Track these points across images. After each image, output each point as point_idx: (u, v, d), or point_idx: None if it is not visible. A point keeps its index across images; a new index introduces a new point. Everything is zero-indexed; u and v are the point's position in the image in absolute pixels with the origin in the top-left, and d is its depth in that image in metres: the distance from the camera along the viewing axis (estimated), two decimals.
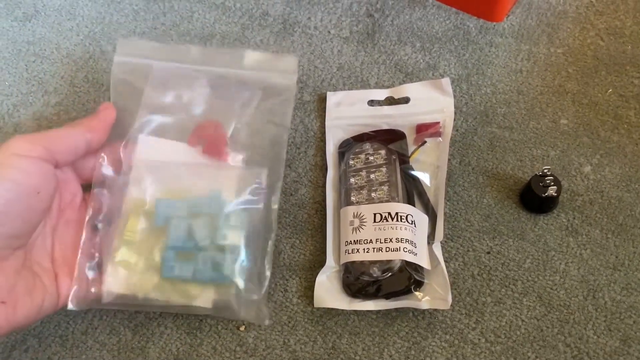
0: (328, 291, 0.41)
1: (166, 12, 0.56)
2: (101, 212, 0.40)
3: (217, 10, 0.56)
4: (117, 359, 0.40)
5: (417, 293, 0.40)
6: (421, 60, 0.52)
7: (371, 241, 0.41)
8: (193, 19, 0.56)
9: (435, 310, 0.41)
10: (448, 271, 0.42)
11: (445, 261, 0.42)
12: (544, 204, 0.43)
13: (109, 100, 0.44)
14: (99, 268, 0.39)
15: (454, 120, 0.48)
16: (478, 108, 0.49)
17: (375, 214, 0.42)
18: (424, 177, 0.44)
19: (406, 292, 0.40)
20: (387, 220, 0.41)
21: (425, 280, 0.40)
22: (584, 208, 0.45)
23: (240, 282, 0.38)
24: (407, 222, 0.41)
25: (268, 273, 0.40)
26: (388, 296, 0.40)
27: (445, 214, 0.44)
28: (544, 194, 0.43)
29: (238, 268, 0.38)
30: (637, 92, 0.50)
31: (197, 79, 0.43)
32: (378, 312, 0.41)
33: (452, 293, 0.41)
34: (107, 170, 0.41)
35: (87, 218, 0.40)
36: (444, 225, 0.43)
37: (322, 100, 0.50)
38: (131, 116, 0.42)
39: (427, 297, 0.39)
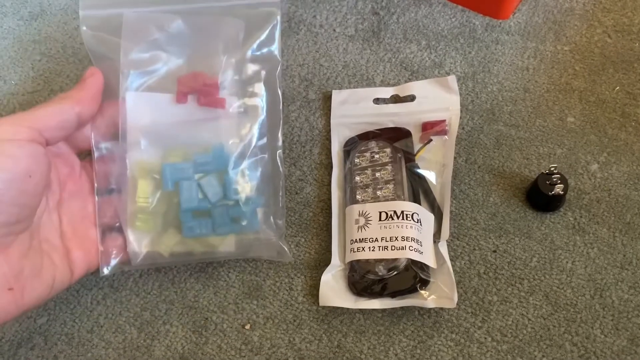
0: (333, 290, 0.41)
1: None
2: (108, 180, 0.40)
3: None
4: (122, 357, 0.40)
5: (422, 292, 0.39)
6: (427, 58, 0.52)
7: (377, 239, 0.41)
8: None
9: (441, 309, 0.41)
10: (454, 270, 0.42)
11: (451, 260, 0.42)
12: (550, 203, 0.43)
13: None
14: (121, 236, 0.39)
15: (460, 118, 0.48)
16: (484, 106, 0.49)
17: (380, 213, 0.41)
18: (429, 175, 0.44)
19: (412, 290, 0.39)
20: (392, 219, 0.41)
21: (431, 279, 0.40)
22: (591, 206, 0.44)
23: (259, 227, 0.39)
24: (413, 220, 0.41)
25: (284, 211, 0.41)
26: (394, 295, 0.40)
27: (451, 212, 0.44)
28: (551, 192, 0.42)
29: (256, 218, 0.39)
30: None
31: (173, 21, 0.40)
32: (383, 310, 0.41)
33: (457, 292, 0.41)
34: (104, 138, 0.40)
35: (95, 188, 0.40)
36: (450, 223, 0.43)
37: (327, 98, 0.50)
38: (116, 74, 0.39)
39: (432, 296, 0.39)
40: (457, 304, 0.40)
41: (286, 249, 0.41)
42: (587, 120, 0.48)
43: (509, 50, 0.52)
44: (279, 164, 0.41)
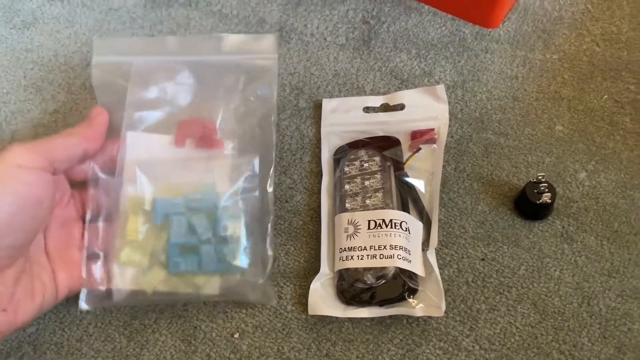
0: (322, 298, 0.41)
1: (163, 19, 0.56)
2: (100, 212, 0.41)
3: (214, 17, 0.56)
4: None
5: (410, 300, 0.40)
6: (417, 67, 0.52)
7: (365, 248, 0.41)
8: (190, 26, 0.56)
9: (430, 317, 0.41)
10: (442, 278, 0.42)
11: (439, 268, 0.42)
12: (538, 211, 0.43)
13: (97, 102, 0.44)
14: (106, 267, 0.40)
15: (449, 126, 0.48)
16: (473, 114, 0.50)
17: (369, 221, 0.42)
18: (418, 183, 0.44)
19: (400, 299, 0.40)
20: (381, 227, 0.41)
21: (419, 288, 0.40)
22: (579, 215, 0.45)
23: (245, 268, 0.39)
24: (402, 229, 0.41)
25: (270, 253, 0.41)
26: (382, 303, 0.40)
27: (439, 220, 0.44)
28: (539, 200, 0.43)
29: (242, 255, 0.39)
30: (632, 98, 0.50)
31: (179, 71, 0.43)
32: (372, 319, 0.41)
33: (446, 300, 0.41)
34: (102, 170, 0.41)
35: (87, 218, 0.41)
36: (438, 232, 0.43)
37: (318, 107, 0.50)
38: (119, 114, 0.42)
39: (420, 305, 0.39)
40: (445, 312, 0.40)
41: (271, 292, 0.41)
42: (575, 128, 0.49)
43: (498, 58, 0.53)
44: (270, 204, 0.42)
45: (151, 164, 0.41)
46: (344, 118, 0.49)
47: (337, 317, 0.41)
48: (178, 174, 0.41)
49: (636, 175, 0.46)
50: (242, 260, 0.39)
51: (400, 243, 0.40)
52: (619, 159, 0.47)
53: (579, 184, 0.46)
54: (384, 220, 0.41)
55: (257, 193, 0.41)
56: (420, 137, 0.47)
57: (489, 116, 0.49)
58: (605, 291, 0.42)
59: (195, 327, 0.41)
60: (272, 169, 0.43)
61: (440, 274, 0.42)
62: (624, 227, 0.44)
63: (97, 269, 0.40)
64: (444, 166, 0.47)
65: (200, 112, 0.43)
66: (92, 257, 0.40)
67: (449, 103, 0.50)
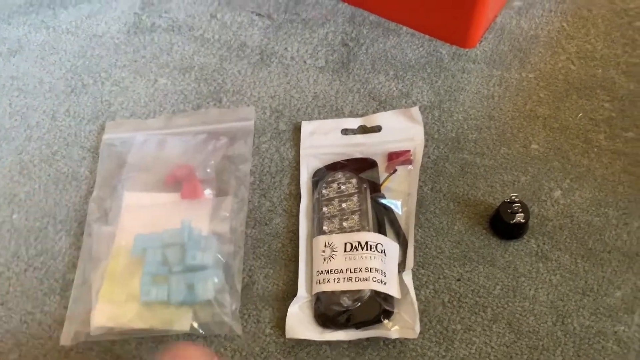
0: (300, 322, 0.41)
1: (146, 45, 0.57)
2: (89, 256, 0.45)
3: (196, 42, 0.57)
4: None
5: (386, 322, 0.40)
6: (394, 88, 0.53)
7: (342, 271, 0.41)
8: (172, 51, 0.57)
9: (406, 338, 0.41)
10: (419, 299, 0.42)
11: (416, 289, 0.42)
12: (512, 231, 0.44)
13: (94, 160, 0.50)
14: (88, 307, 0.42)
15: (426, 147, 0.49)
16: (450, 134, 0.50)
17: (346, 244, 0.42)
18: (395, 205, 0.45)
19: (376, 321, 0.40)
20: (357, 250, 0.42)
21: (395, 310, 0.41)
22: (554, 233, 0.45)
23: (212, 300, 0.41)
24: (377, 251, 0.42)
25: (239, 288, 0.43)
26: (358, 326, 0.40)
27: (416, 241, 0.45)
28: (512, 220, 0.43)
29: (210, 287, 0.41)
30: (607, 115, 0.51)
31: (172, 140, 0.50)
32: (349, 342, 0.41)
33: (422, 321, 0.41)
34: (97, 223, 0.46)
35: (78, 265, 0.45)
36: (415, 252, 0.43)
37: (298, 129, 0.51)
38: (117, 176, 0.49)
39: (396, 327, 0.40)
40: (421, 333, 0.41)
41: (238, 325, 0.41)
42: (550, 147, 0.49)
43: (474, 78, 0.53)
44: (240, 242, 0.45)
45: (142, 213, 0.46)
46: (322, 140, 0.50)
47: (314, 340, 0.41)
48: (162, 216, 0.45)
49: (610, 193, 0.47)
50: (209, 292, 0.41)
51: (375, 265, 0.41)
52: (594, 177, 0.48)
53: (554, 202, 0.47)
54: (359, 243, 0.42)
55: (227, 230, 0.44)
56: (397, 158, 0.47)
57: (465, 136, 0.50)
58: (580, 309, 0.42)
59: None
60: (245, 209, 0.46)
61: (417, 294, 0.42)
62: (598, 244, 0.45)
63: (81, 308, 0.42)
64: (420, 186, 0.47)
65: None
66: (78, 298, 0.43)
67: (426, 124, 0.50)
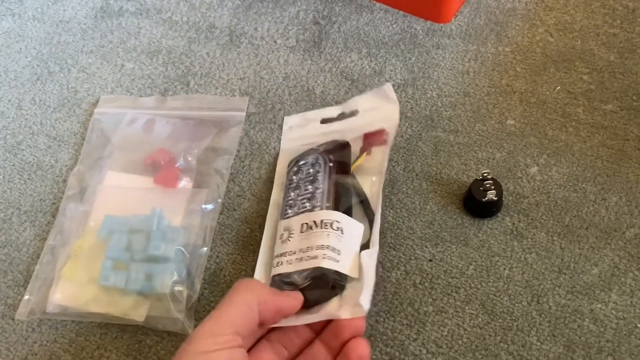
0: None
1: (114, 29, 0.56)
2: (60, 235, 0.44)
3: (164, 25, 0.56)
4: None
5: (335, 302, 0.38)
6: (367, 67, 0.52)
7: (295, 252, 0.40)
8: (140, 35, 0.55)
9: (377, 322, 0.40)
10: (389, 281, 0.41)
11: (387, 270, 0.41)
12: (485, 209, 0.43)
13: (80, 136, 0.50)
14: (50, 282, 0.42)
15: (399, 126, 0.47)
16: (423, 112, 0.49)
17: (302, 224, 0.41)
18: (365, 185, 0.44)
19: (325, 299, 0.38)
20: (311, 229, 0.40)
21: (347, 288, 0.38)
22: (530, 210, 0.44)
23: (168, 295, 0.40)
24: (332, 228, 0.39)
25: (197, 287, 0.42)
26: (308, 304, 0.38)
27: (388, 222, 0.44)
28: (484, 198, 0.42)
29: (167, 281, 0.40)
30: (586, 88, 0.49)
31: (160, 122, 0.49)
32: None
33: (393, 303, 0.40)
34: (73, 200, 0.46)
35: (46, 242, 0.44)
36: (386, 233, 0.42)
37: (268, 111, 0.50)
38: (99, 153, 0.48)
39: (345, 306, 0.38)
40: (392, 316, 0.40)
41: (190, 323, 0.40)
42: (527, 122, 0.48)
43: (449, 54, 0.52)
44: (208, 238, 0.44)
45: (115, 193, 0.45)
46: (302, 132, 0.48)
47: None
48: (135, 200, 0.45)
49: (588, 168, 0.45)
50: (165, 286, 0.40)
51: (328, 242, 0.39)
52: (572, 152, 0.46)
53: (530, 179, 0.45)
54: (314, 222, 0.40)
55: (197, 223, 0.43)
56: (372, 138, 0.45)
57: (439, 113, 0.49)
58: (556, 288, 0.41)
59: (140, 342, 0.41)
60: (219, 203, 0.45)
61: (388, 277, 0.41)
62: (575, 221, 0.43)
63: (43, 284, 0.42)
64: (393, 166, 0.46)
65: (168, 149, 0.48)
66: (44, 274, 0.42)
67: (399, 102, 0.49)
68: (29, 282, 0.43)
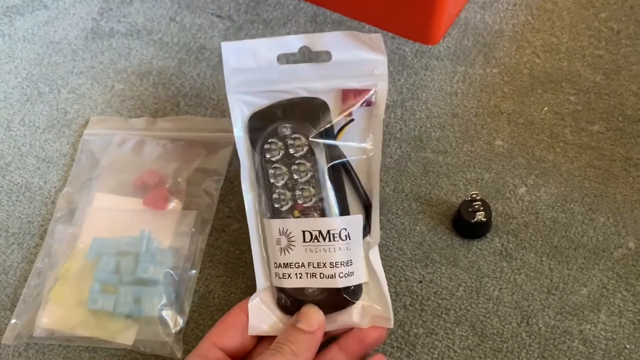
0: (264, 314, 0.38)
1: (104, 50, 0.56)
2: (48, 257, 0.43)
3: (155, 46, 0.56)
4: None
5: (356, 309, 0.37)
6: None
7: (303, 265, 0.37)
8: (130, 56, 0.56)
9: None
10: None
11: None
12: (475, 230, 0.43)
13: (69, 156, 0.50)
14: (37, 306, 0.41)
15: (388, 146, 0.48)
16: (412, 133, 0.49)
17: (304, 232, 0.37)
18: (353, 161, 0.38)
19: (341, 308, 0.37)
20: (318, 241, 0.37)
21: (363, 295, 0.38)
22: (519, 231, 0.44)
23: (156, 319, 0.40)
24: (341, 239, 0.37)
25: (186, 310, 0.41)
26: (325, 310, 0.37)
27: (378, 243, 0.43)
28: (473, 219, 0.42)
29: (155, 304, 0.40)
30: (573, 109, 0.50)
31: (150, 143, 0.49)
32: None
33: None
34: (62, 222, 0.45)
35: (34, 265, 0.43)
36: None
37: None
38: (89, 174, 0.48)
39: (368, 317, 0.37)
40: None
41: (179, 347, 0.40)
42: (515, 143, 0.48)
43: (438, 75, 0.52)
44: (197, 261, 0.43)
45: (104, 215, 0.45)
46: (254, 74, 0.39)
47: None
48: (124, 222, 0.44)
49: (576, 188, 0.46)
50: (154, 309, 0.40)
51: (341, 258, 0.37)
52: (559, 172, 0.47)
53: (518, 200, 0.45)
54: (320, 232, 0.37)
55: (186, 246, 0.43)
56: (354, 98, 0.38)
57: (428, 134, 0.49)
58: (545, 309, 0.41)
59: (128, 353, 0.40)
60: (208, 227, 0.45)
61: None
62: (564, 241, 0.43)
63: (30, 307, 0.41)
64: (382, 187, 0.46)
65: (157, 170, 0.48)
66: (30, 296, 0.42)
67: (388, 123, 0.49)
68: (15, 306, 0.42)
